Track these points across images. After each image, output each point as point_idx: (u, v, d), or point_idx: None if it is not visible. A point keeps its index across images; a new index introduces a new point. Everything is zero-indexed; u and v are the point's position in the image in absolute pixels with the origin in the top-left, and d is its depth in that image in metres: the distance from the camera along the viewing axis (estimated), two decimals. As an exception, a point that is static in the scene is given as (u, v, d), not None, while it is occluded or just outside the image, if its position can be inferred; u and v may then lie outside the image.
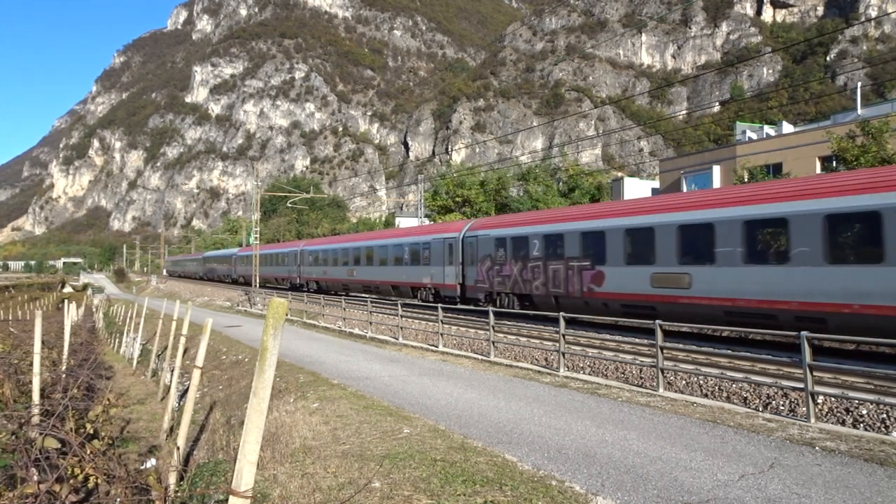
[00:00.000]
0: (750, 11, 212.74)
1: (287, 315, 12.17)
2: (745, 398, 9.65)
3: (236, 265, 56.60)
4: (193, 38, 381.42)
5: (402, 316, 19.67)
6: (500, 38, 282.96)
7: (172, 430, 8.89)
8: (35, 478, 4.28)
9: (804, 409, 8.46)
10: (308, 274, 39.29)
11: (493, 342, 14.79)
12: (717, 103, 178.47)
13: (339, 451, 6.70)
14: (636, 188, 43.18)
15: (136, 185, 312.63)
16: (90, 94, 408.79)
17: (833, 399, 8.66)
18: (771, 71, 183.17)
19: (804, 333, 8.50)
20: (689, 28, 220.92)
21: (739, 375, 10.33)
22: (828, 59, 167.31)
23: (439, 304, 17.52)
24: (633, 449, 6.68)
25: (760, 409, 9.06)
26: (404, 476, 5.70)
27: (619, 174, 78.28)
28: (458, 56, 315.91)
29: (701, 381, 10.52)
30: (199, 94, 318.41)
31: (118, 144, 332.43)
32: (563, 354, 12.48)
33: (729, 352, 12.50)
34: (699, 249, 14.14)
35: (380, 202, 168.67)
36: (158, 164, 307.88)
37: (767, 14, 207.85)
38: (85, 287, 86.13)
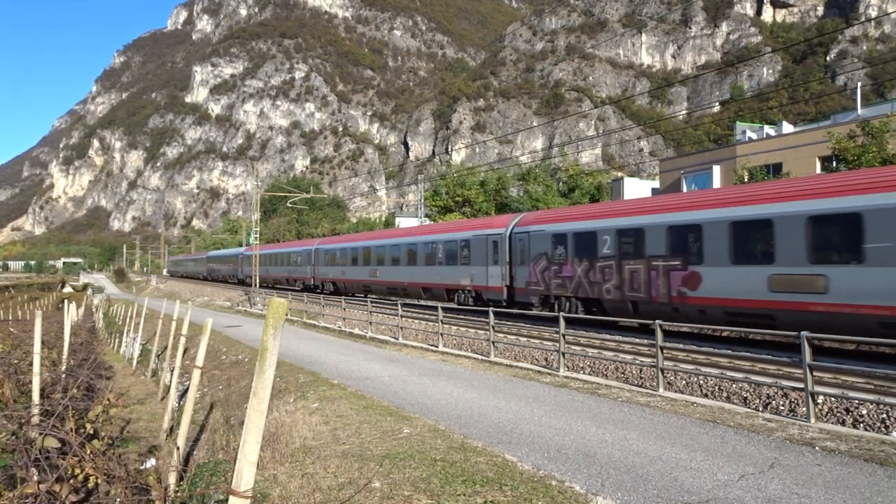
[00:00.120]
0: (750, 11, 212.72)
1: (287, 315, 12.17)
2: (745, 398, 9.66)
3: (242, 265, 54.40)
4: (193, 38, 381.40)
5: (401, 316, 19.67)
6: (500, 38, 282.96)
7: (172, 430, 8.89)
8: (35, 478, 4.28)
9: (804, 409, 8.46)
10: (324, 274, 36.88)
11: (493, 342, 14.79)
12: (717, 103, 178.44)
13: (339, 451, 6.70)
14: (636, 188, 43.18)
15: (136, 185, 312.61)
16: (90, 94, 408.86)
17: (833, 399, 8.66)
18: (771, 71, 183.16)
19: (804, 333, 8.50)
20: (689, 28, 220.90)
21: (739, 375, 10.33)
22: (828, 59, 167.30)
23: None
24: (633, 449, 6.68)
25: (760, 409, 9.06)
26: (404, 476, 5.70)
27: (619, 174, 78.28)
28: (458, 56, 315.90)
29: (701, 381, 10.52)
30: (199, 94, 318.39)
31: (118, 144, 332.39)
32: (563, 354, 12.48)
33: (729, 352, 12.51)
34: (840, 245, 11.79)
35: (380, 202, 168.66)
36: (158, 164, 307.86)
37: (767, 14, 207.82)
38: (85, 287, 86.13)
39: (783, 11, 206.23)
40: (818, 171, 29.68)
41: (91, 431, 5.83)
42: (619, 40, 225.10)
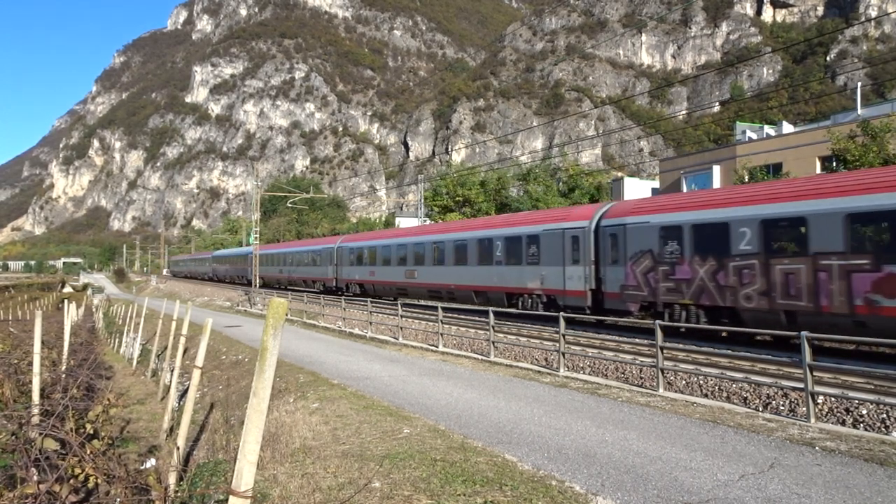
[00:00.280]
0: (750, 11, 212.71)
1: (287, 315, 12.17)
2: (745, 398, 9.66)
3: (252, 265, 51.63)
4: (193, 38, 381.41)
5: (401, 316, 19.66)
6: (500, 38, 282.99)
7: (172, 430, 8.89)
8: (35, 478, 4.28)
9: (804, 409, 8.46)
10: (349, 275, 33.24)
11: (493, 342, 14.79)
12: (717, 103, 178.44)
13: (339, 451, 6.70)
14: (636, 188, 43.18)
15: (136, 185, 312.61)
16: (90, 94, 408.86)
17: (833, 399, 8.66)
18: (771, 71, 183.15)
19: (804, 333, 8.50)
20: (689, 28, 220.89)
21: (739, 375, 10.33)
22: (828, 59, 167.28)
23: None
24: (633, 449, 6.68)
25: (760, 409, 9.06)
26: (404, 476, 5.70)
27: (619, 174, 78.30)
28: (458, 56, 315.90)
29: (701, 381, 10.52)
30: (199, 94, 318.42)
31: (118, 144, 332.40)
32: (563, 354, 12.48)
33: (729, 352, 12.51)
34: None
35: (380, 202, 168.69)
36: (158, 164, 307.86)
37: (767, 14, 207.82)
38: (85, 287, 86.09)
39: (783, 11, 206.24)
40: (818, 171, 29.69)
41: (91, 431, 5.83)
42: (619, 40, 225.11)
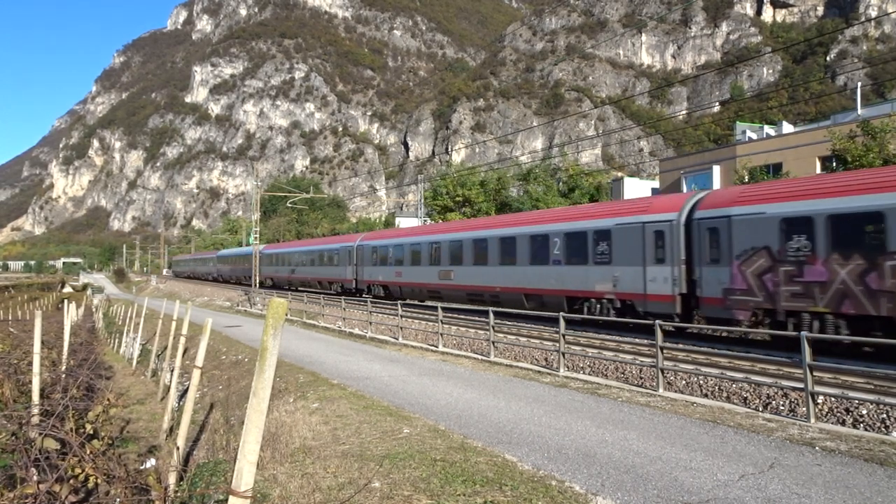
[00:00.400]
0: (750, 11, 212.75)
1: (287, 315, 12.17)
2: (745, 398, 9.66)
3: (261, 265, 48.15)
4: (193, 38, 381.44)
5: (401, 316, 19.65)
6: (500, 38, 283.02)
7: (172, 430, 8.89)
8: (35, 478, 4.28)
9: (804, 409, 8.46)
10: (371, 276, 30.67)
11: (493, 342, 14.78)
12: (717, 103, 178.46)
13: (339, 451, 6.70)
14: (636, 188, 43.20)
15: (135, 185, 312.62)
16: (90, 94, 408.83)
17: (833, 399, 8.66)
18: (771, 71, 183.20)
19: (804, 333, 8.49)
20: (689, 28, 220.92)
21: (739, 375, 10.33)
22: (828, 59, 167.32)
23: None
24: (633, 449, 6.68)
25: (760, 409, 9.06)
26: (404, 476, 5.70)
27: (619, 174, 78.34)
28: (458, 56, 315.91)
29: (701, 381, 10.52)
30: (198, 94, 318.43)
31: (118, 144, 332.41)
32: (563, 354, 12.47)
33: (729, 352, 12.51)
34: None
35: (380, 202, 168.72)
36: (158, 164, 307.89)
37: (767, 14, 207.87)
38: (85, 287, 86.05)
39: (783, 11, 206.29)
40: (818, 171, 29.69)
41: (91, 431, 5.83)
42: (619, 40, 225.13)
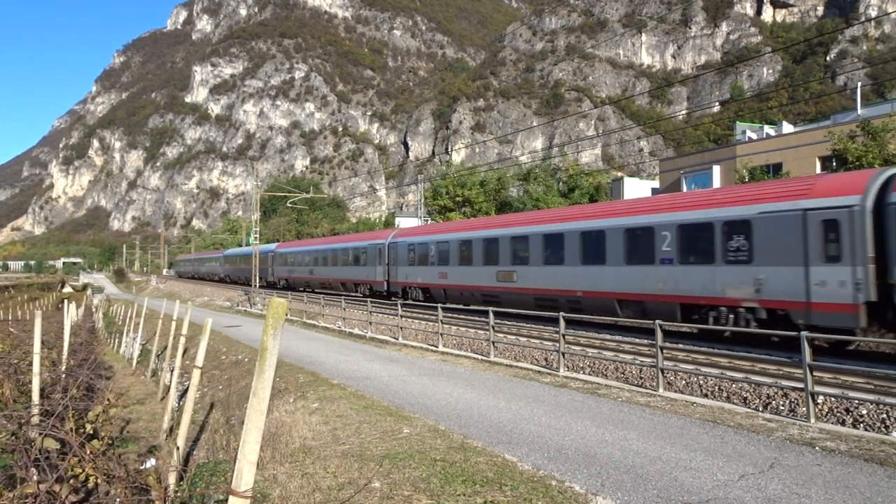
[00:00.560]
0: (750, 11, 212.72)
1: (287, 315, 12.17)
2: (745, 398, 9.66)
3: (274, 265, 46.29)
4: (193, 38, 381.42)
5: (401, 316, 19.65)
6: (500, 38, 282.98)
7: (172, 430, 8.89)
8: (35, 478, 4.28)
9: (804, 409, 8.46)
10: (407, 277, 27.12)
11: (493, 342, 14.78)
12: (717, 103, 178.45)
13: (339, 451, 6.69)
14: (636, 188, 43.21)
15: (135, 185, 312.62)
16: (90, 94, 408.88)
17: (833, 399, 8.66)
18: (771, 71, 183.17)
19: (804, 333, 8.49)
20: (689, 28, 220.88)
21: (739, 375, 10.33)
22: (828, 59, 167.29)
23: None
24: (633, 449, 6.68)
25: (760, 409, 9.06)
26: (404, 476, 5.70)
27: (619, 174, 78.34)
28: (458, 56, 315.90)
29: (701, 381, 10.52)
30: (198, 94, 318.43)
31: (118, 144, 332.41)
32: (563, 354, 12.47)
33: (729, 352, 12.51)
34: None
35: (380, 202, 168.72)
36: (158, 164, 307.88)
37: (767, 14, 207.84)
38: (85, 287, 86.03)
39: (783, 11, 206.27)
40: (818, 171, 29.69)
41: (91, 431, 5.83)
42: (619, 40, 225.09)
